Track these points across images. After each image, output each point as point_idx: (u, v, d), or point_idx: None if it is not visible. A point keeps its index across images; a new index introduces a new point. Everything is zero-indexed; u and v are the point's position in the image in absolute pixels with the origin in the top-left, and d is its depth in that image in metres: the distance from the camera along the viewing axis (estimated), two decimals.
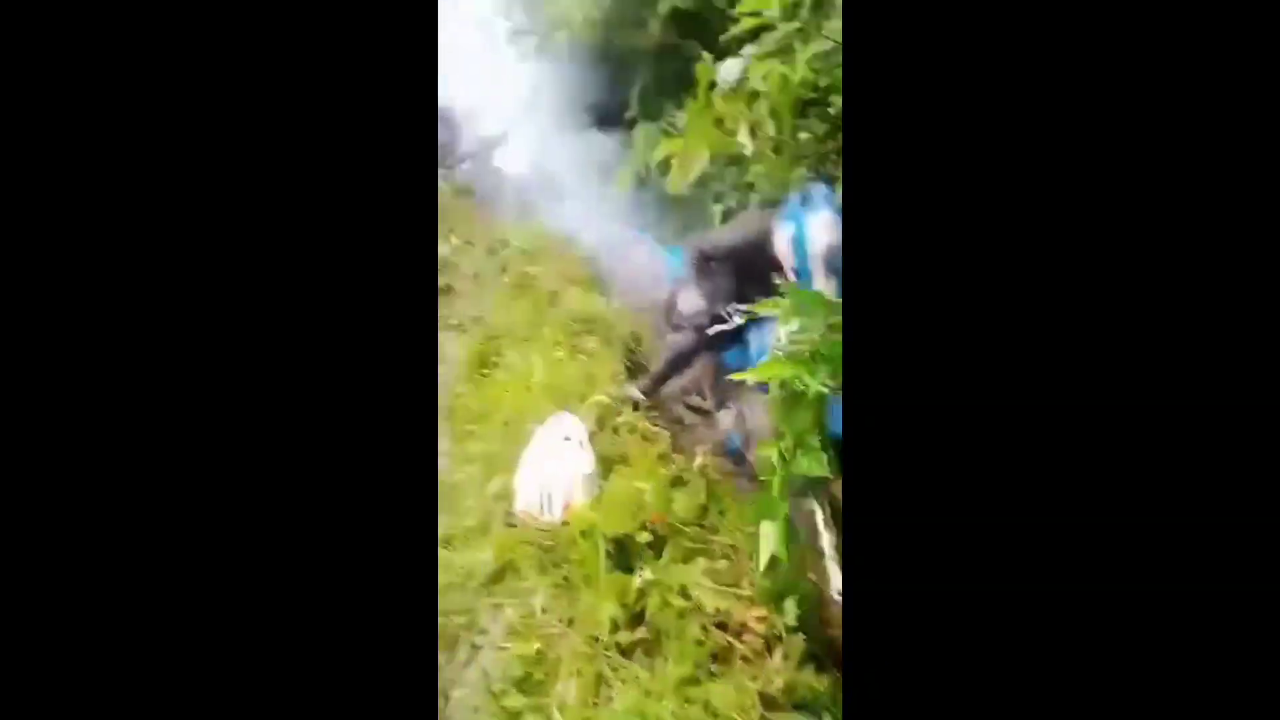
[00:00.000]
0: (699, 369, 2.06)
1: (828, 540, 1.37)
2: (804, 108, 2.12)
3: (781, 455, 1.05)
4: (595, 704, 1.05)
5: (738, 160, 2.44)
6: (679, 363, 1.96)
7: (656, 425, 1.78)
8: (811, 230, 1.62)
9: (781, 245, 1.69)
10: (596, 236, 2.85)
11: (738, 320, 1.52)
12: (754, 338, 1.73)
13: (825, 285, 1.62)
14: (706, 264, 1.83)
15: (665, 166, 2.59)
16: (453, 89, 3.97)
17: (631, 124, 3.15)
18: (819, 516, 1.39)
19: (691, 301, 1.74)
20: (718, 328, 1.62)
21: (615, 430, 1.69)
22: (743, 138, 2.20)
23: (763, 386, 1.74)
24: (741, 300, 1.84)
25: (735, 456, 1.85)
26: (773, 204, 1.95)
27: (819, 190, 1.72)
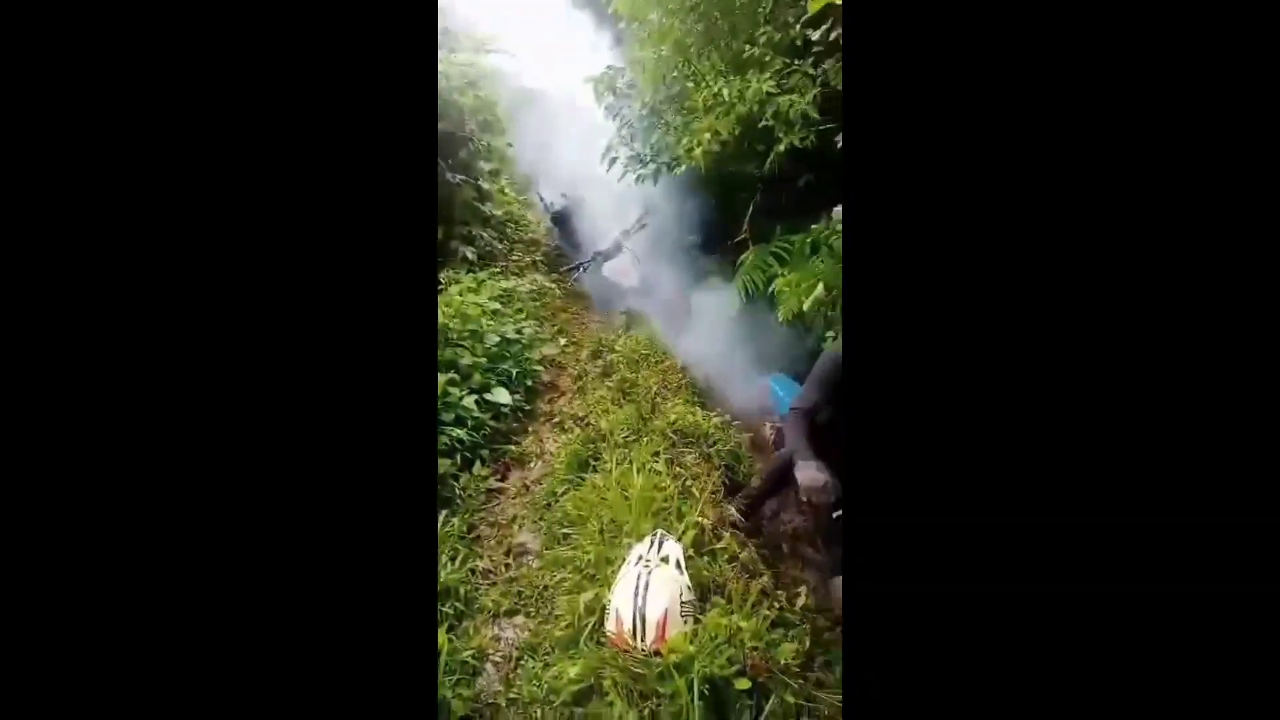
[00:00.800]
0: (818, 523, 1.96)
1: None
2: None
3: None
4: None
5: None
6: (774, 484, 1.89)
7: (759, 553, 1.70)
8: None
9: None
10: (701, 353, 2.91)
11: None
12: None
13: None
14: (809, 425, 1.62)
15: (772, 288, 2.67)
16: (571, 203, 4.37)
17: (741, 246, 3.29)
18: None
19: (810, 475, 1.52)
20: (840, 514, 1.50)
21: (714, 555, 1.63)
22: None
23: None
24: None
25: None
26: None
27: None
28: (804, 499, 1.47)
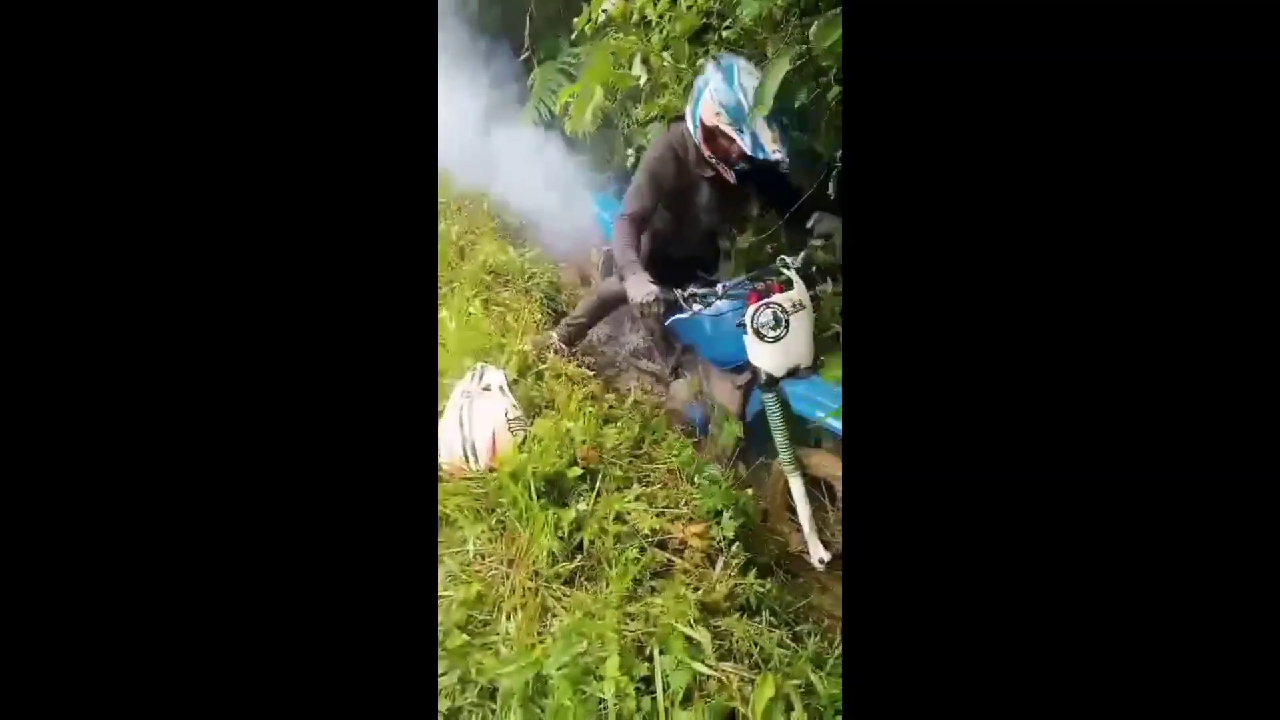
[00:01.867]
0: (651, 335, 1.96)
1: (804, 513, 1.39)
2: (698, 34, 2.08)
3: None
4: (540, 632, 1.06)
5: (639, 96, 2.39)
6: (599, 311, 1.86)
7: (586, 369, 1.76)
8: (740, 80, 1.44)
9: (710, 115, 1.48)
10: (504, 187, 2.74)
11: (698, 307, 1.39)
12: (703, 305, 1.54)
13: (775, 140, 1.44)
14: (636, 233, 1.57)
15: (566, 111, 2.51)
16: None
17: (528, 65, 3.01)
18: (796, 489, 1.40)
19: (641, 288, 1.45)
20: (676, 317, 1.46)
21: (540, 376, 1.66)
22: (636, 69, 2.16)
23: (716, 360, 1.71)
24: (690, 256, 1.73)
25: (701, 427, 1.75)
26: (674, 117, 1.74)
27: (718, 63, 1.52)
28: (637, 313, 1.46)
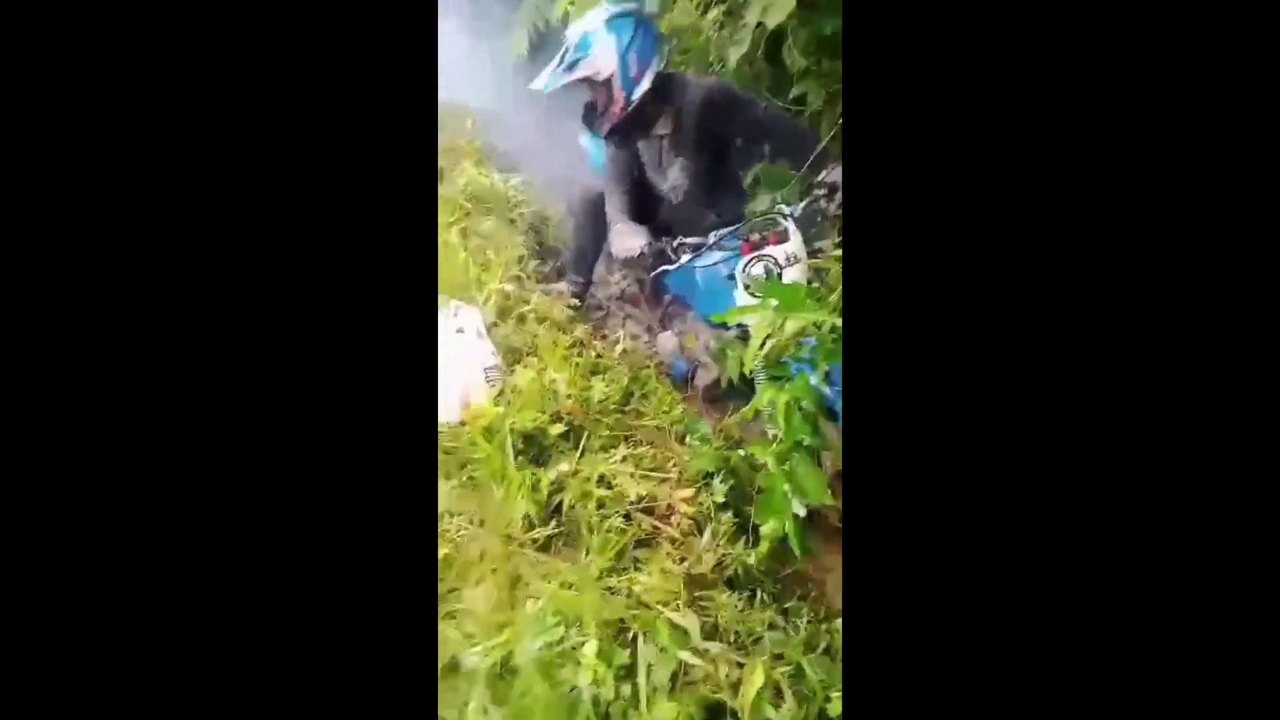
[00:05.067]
0: (640, 284, 1.89)
1: None
2: None
3: (779, 459, 1.02)
4: (512, 605, 0.97)
5: None
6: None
7: (572, 310, 1.62)
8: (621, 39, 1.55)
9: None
10: (490, 104, 2.49)
11: (687, 258, 1.34)
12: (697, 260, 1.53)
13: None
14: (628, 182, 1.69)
15: (565, 20, 2.25)
16: None
17: None
18: None
19: (626, 240, 1.50)
20: (663, 268, 1.48)
21: (522, 319, 1.52)
22: None
23: (706, 315, 1.62)
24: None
25: (681, 381, 1.70)
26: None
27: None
28: (620, 265, 1.43)
